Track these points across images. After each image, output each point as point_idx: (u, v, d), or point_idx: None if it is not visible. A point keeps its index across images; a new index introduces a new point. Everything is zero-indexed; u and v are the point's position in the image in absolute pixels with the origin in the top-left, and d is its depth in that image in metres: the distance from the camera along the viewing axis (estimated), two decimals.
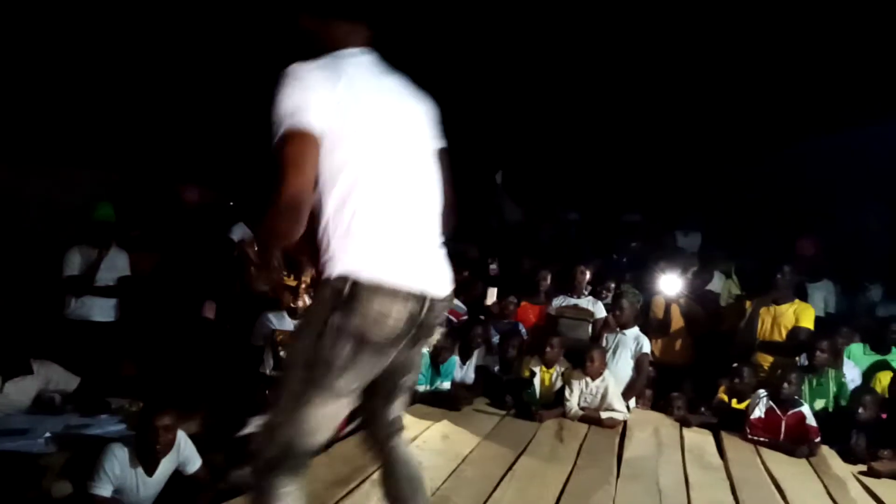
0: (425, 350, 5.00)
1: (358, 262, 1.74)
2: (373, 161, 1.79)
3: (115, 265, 4.95)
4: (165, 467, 3.41)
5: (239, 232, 6.05)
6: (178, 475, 3.45)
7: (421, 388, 4.93)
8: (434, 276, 1.87)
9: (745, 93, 7.76)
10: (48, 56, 5.67)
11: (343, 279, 1.73)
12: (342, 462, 3.51)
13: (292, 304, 4.01)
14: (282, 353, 3.91)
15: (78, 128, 5.71)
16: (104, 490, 3.20)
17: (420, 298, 1.81)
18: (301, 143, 1.70)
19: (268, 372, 3.95)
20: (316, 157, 1.72)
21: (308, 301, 4.07)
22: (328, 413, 1.79)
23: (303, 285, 3.99)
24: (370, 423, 2.07)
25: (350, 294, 1.72)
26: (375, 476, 3.34)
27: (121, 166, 6.05)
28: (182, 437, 3.46)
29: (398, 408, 2.06)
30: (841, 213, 7.96)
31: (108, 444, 3.35)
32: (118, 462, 3.26)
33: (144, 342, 4.63)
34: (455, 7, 6.43)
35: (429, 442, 4.02)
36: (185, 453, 3.47)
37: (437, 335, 2.01)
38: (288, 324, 4.04)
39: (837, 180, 7.67)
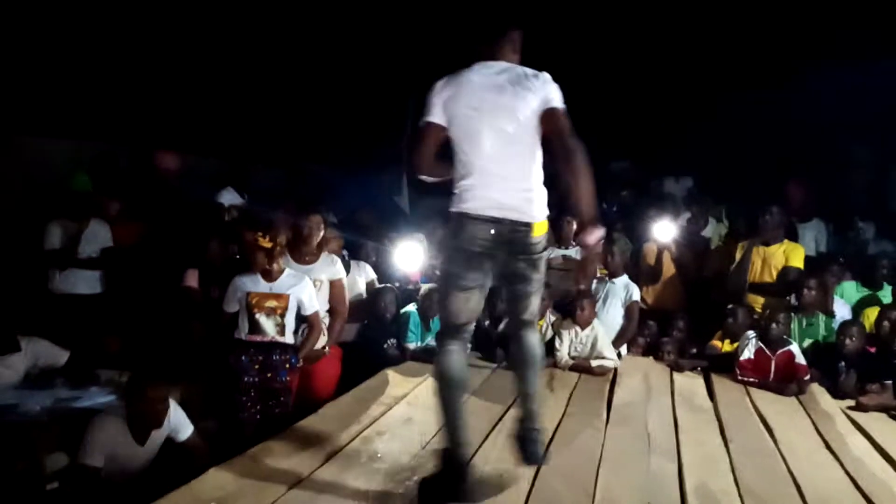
0: (413, 308, 5.02)
1: (456, 201, 2.68)
2: (467, 141, 2.65)
3: (97, 237, 4.91)
4: (157, 436, 3.42)
5: (228, 197, 6.00)
6: (169, 442, 3.47)
7: (412, 346, 4.95)
8: (501, 203, 2.61)
9: (732, 37, 7.63)
10: (16, 25, 5.52)
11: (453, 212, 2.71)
12: (333, 422, 3.54)
13: (267, 266, 3.92)
14: (258, 317, 3.85)
15: (49, 98, 5.58)
16: (95, 460, 3.22)
17: (484, 221, 2.60)
18: (419, 135, 2.74)
19: (243, 337, 3.89)
20: (431, 139, 2.70)
21: (281, 264, 4.00)
22: (456, 302, 2.71)
23: (278, 247, 3.92)
24: (509, 320, 2.98)
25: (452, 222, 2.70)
26: (364, 434, 3.41)
27: (95, 136, 5.93)
28: (172, 405, 3.47)
29: (523, 311, 2.81)
30: (832, 153, 7.92)
31: (98, 414, 3.37)
32: (108, 432, 3.28)
33: (130, 313, 4.61)
34: None
35: (420, 397, 4.04)
36: (175, 421, 3.48)
37: (538, 259, 2.71)
38: (263, 286, 3.91)
39: (828, 121, 7.59)
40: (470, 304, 2.72)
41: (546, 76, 2.69)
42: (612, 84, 8.21)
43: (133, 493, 3.30)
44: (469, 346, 2.95)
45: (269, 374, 3.85)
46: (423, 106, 2.70)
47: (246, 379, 3.81)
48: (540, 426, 2.83)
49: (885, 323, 4.73)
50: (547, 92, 2.65)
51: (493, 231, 2.61)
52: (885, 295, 5.29)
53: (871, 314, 4.99)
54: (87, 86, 5.89)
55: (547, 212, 2.72)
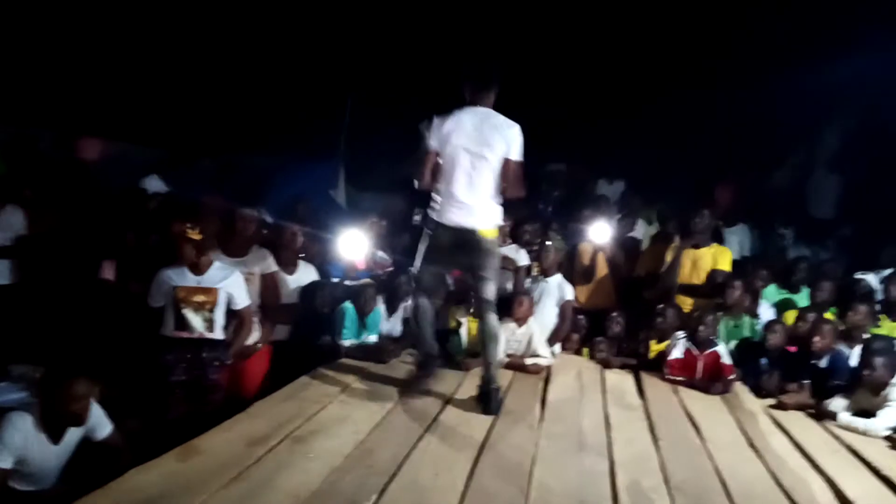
0: (349, 304, 4.92)
1: (434, 208, 3.83)
2: (449, 167, 3.71)
3: (11, 224, 4.61)
4: (73, 435, 3.23)
5: (153, 184, 5.74)
6: (86, 442, 3.28)
7: (347, 343, 4.86)
8: (463, 217, 3.75)
9: (664, 46, 7.84)
10: None
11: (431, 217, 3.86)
12: (263, 420, 3.42)
13: (196, 259, 3.75)
14: (185, 312, 3.68)
15: None
16: (3, 462, 3.01)
17: (452, 229, 3.77)
18: (423, 158, 3.76)
19: (169, 333, 3.72)
20: (430, 161, 3.74)
21: (211, 257, 3.84)
22: (425, 273, 3.96)
23: (208, 239, 3.76)
24: (475, 300, 4.18)
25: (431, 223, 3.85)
26: (296, 433, 3.31)
27: (13, 120, 5.57)
28: (91, 403, 3.28)
29: (482, 292, 3.86)
30: (757, 159, 8.26)
31: (8, 413, 3.15)
32: (19, 431, 3.07)
33: (43, 305, 4.33)
34: None
35: (354, 395, 3.97)
36: (94, 419, 3.29)
37: (489, 254, 3.82)
38: (190, 280, 3.75)
39: (755, 128, 7.91)
40: (434, 276, 4.06)
41: (517, 129, 3.69)
42: (551, 89, 8.34)
43: (46, 495, 3.13)
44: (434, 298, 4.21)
45: (197, 373, 3.69)
46: (423, 136, 3.73)
47: (173, 378, 3.64)
48: (497, 385, 3.88)
49: (803, 324, 4.93)
50: (512, 143, 3.67)
51: (453, 235, 3.77)
52: (803, 297, 5.52)
53: (790, 316, 5.20)
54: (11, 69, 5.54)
55: (498, 222, 3.85)
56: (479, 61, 3.87)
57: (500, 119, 3.69)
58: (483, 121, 3.67)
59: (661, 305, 5.22)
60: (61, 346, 3.82)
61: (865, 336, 4.73)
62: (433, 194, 3.84)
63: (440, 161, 3.72)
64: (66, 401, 3.12)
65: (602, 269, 5.90)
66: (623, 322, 5.42)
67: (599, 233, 5.81)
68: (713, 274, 5.39)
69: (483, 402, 3.82)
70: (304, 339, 4.75)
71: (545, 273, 5.50)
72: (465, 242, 3.77)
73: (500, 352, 4.05)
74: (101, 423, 3.31)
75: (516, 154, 3.68)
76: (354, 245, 5.40)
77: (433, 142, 3.70)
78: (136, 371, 3.77)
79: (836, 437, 3.99)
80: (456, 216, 3.75)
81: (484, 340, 3.89)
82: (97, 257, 4.28)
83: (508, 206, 5.45)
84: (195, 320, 3.73)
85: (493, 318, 3.90)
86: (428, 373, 4.11)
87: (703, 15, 7.39)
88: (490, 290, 3.87)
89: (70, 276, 4.34)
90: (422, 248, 3.92)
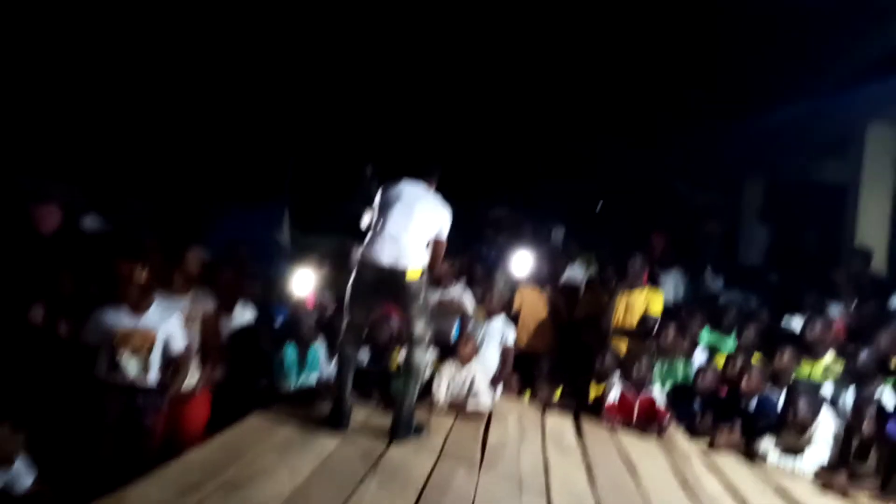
0: (290, 346, 4.85)
1: (363, 249, 4.06)
2: (379, 217, 4.06)
3: None
4: None
5: (91, 223, 5.57)
6: (5, 494, 3.13)
7: (286, 387, 4.77)
8: (388, 258, 3.94)
9: (603, 103, 8.22)
10: None
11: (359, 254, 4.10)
12: (195, 468, 3.32)
13: (139, 301, 3.67)
14: (122, 355, 3.57)
15: None
16: None
17: (379, 267, 3.94)
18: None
19: (103, 376, 3.59)
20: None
21: (152, 297, 3.77)
22: (354, 310, 4.12)
23: (152, 280, 3.70)
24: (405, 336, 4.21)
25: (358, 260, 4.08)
26: (231, 479, 3.23)
27: None
28: (13, 453, 3.13)
29: (411, 328, 4.06)
30: (690, 209, 8.64)
31: None
32: None
33: None
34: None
35: (292, 439, 3.90)
36: (15, 468, 3.14)
37: (414, 295, 4.02)
38: (129, 321, 3.65)
39: (687, 180, 8.31)
40: (362, 313, 4.16)
41: (447, 213, 4.12)
42: (492, 135, 8.62)
43: None
44: (360, 340, 4.37)
45: (130, 418, 3.58)
46: (367, 178, 4.55)
47: (105, 423, 3.52)
48: (407, 417, 4.08)
49: (732, 367, 5.09)
50: (442, 224, 4.10)
51: (377, 272, 3.97)
52: (732, 340, 5.71)
53: (720, 360, 5.38)
54: None
55: (424, 263, 4.03)
56: (421, 159, 4.41)
57: (433, 200, 4.12)
58: (419, 196, 4.09)
59: (602, 348, 5.33)
60: None
61: (792, 379, 4.93)
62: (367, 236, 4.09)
63: (375, 211, 4.11)
64: None
65: (542, 311, 5.99)
66: (550, 362, 5.49)
67: (518, 265, 5.91)
68: (645, 318, 5.55)
69: (392, 429, 4.05)
70: (241, 382, 4.66)
71: (489, 314, 5.55)
72: (390, 281, 3.96)
73: (419, 388, 4.18)
74: (21, 474, 3.15)
75: (444, 234, 4.11)
76: (304, 283, 5.42)
77: (374, 202, 4.13)
78: (65, 415, 3.62)
79: (766, 477, 4.13)
80: (383, 254, 3.94)
81: (403, 374, 4.14)
82: (27, 300, 4.11)
83: (455, 248, 5.55)
84: (130, 364, 3.62)
85: (417, 354, 4.07)
86: (335, 425, 4.06)
87: (638, 78, 7.78)
88: (418, 328, 4.05)
89: None
90: (349, 285, 4.08)
